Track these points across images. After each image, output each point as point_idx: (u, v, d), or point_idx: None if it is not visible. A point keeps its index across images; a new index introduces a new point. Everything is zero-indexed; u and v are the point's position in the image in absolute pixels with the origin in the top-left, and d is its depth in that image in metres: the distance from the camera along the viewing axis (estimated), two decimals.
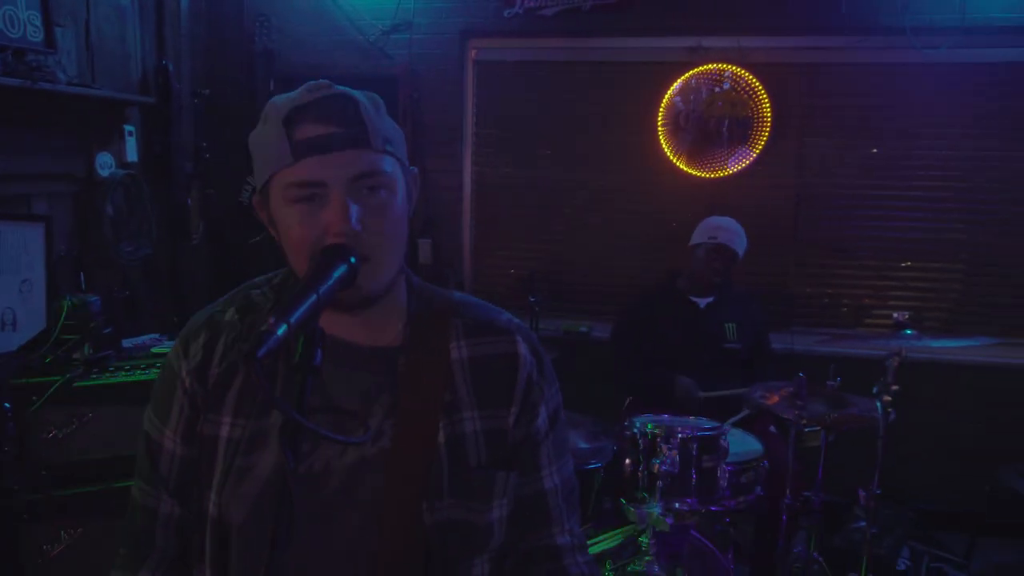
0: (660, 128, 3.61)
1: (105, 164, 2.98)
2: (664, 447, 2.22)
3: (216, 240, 3.68)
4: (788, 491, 2.55)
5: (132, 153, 3.13)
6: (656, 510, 2.06)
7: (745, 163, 3.56)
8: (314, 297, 0.79)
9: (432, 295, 1.07)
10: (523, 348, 1.05)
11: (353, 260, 0.87)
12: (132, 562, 1.02)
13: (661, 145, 3.62)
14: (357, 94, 0.94)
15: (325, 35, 3.55)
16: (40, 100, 2.54)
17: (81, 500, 1.96)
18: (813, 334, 3.44)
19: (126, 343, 2.46)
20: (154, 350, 2.14)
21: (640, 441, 2.27)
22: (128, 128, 3.09)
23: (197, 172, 3.52)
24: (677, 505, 2.25)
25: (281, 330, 0.72)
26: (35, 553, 1.98)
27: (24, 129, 2.60)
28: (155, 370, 2.04)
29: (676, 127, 3.59)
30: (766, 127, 3.52)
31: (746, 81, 3.52)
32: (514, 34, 3.54)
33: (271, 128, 0.91)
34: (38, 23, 2.47)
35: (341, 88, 0.93)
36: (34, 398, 1.87)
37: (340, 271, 0.85)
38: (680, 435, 2.24)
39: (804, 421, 2.42)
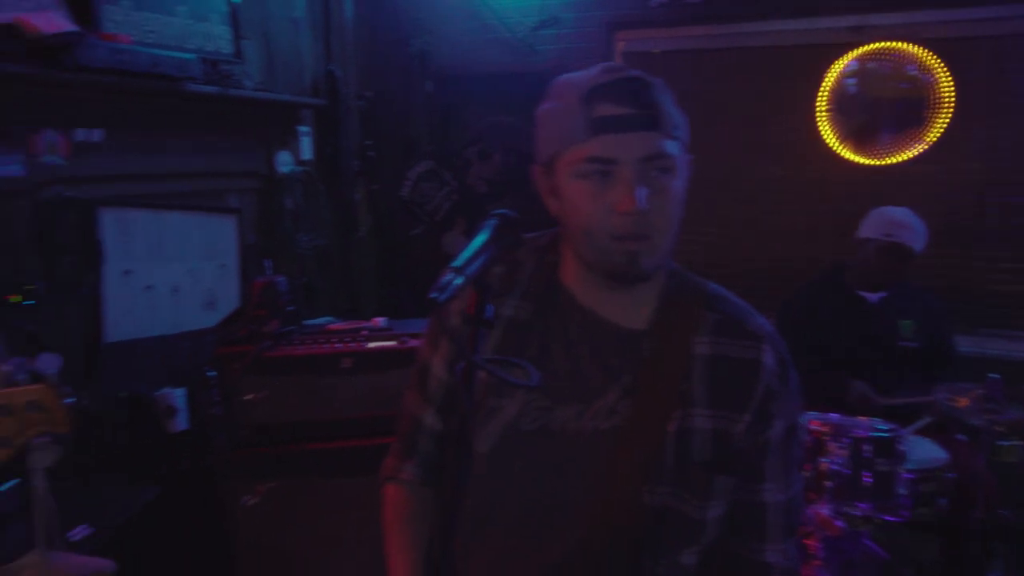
0: (821, 113, 3.42)
1: (284, 162, 3.28)
2: (833, 445, 2.11)
3: (381, 233, 3.94)
4: (980, 507, 2.29)
5: (307, 151, 3.43)
6: (825, 511, 1.97)
7: (919, 149, 3.29)
8: (487, 256, 0.86)
9: (686, 284, 1.09)
10: (768, 357, 1.04)
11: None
12: (400, 455, 1.17)
13: (821, 132, 3.43)
14: (651, 79, 0.98)
15: (475, 34, 3.70)
16: (231, 105, 2.85)
17: (272, 458, 2.18)
18: (1005, 337, 3.11)
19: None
20: (330, 326, 2.34)
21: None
22: (303, 129, 3.39)
23: (363, 169, 3.79)
24: (848, 509, 2.11)
25: (459, 281, 0.80)
26: (234, 503, 2.23)
27: (219, 132, 2.93)
28: (325, 345, 2.23)
29: (840, 112, 3.39)
30: (946, 108, 3.23)
31: (920, 59, 3.26)
32: (660, 24, 3.51)
33: (566, 105, 0.97)
34: (229, 37, 2.77)
35: (636, 71, 0.98)
36: (235, 366, 2.10)
37: (506, 240, 0.90)
38: (853, 434, 2.10)
39: (998, 428, 2.17)
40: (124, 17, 2.31)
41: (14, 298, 2.17)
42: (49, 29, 2.00)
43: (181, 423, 2.77)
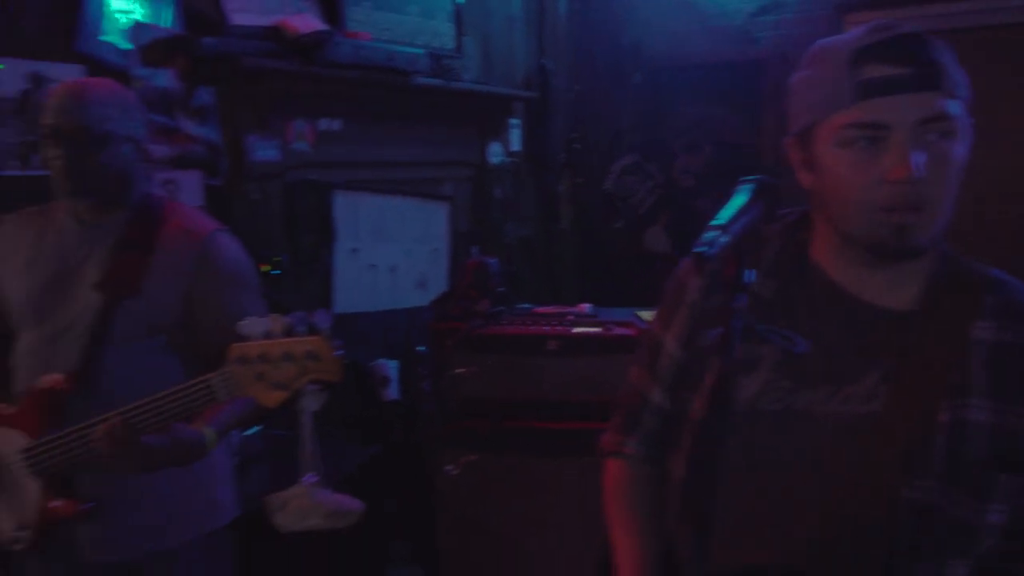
0: None
1: (495, 153, 3.43)
2: None
3: (583, 225, 3.99)
4: None
5: (516, 143, 3.55)
6: None
7: None
8: (750, 217, 0.82)
9: (962, 265, 0.98)
10: None
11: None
12: (622, 429, 1.17)
13: None
14: (928, 35, 0.90)
15: (689, 23, 3.62)
16: (451, 97, 3.02)
17: (475, 432, 2.29)
18: None
19: None
20: (537, 310, 2.42)
21: None
22: (513, 121, 3.51)
23: (568, 162, 3.85)
24: None
25: (724, 239, 0.77)
26: (440, 471, 2.37)
27: (438, 123, 3.12)
28: (531, 327, 2.29)
29: None
30: None
31: None
32: (895, 3, 3.23)
33: (827, 69, 0.91)
34: (452, 33, 2.94)
35: (910, 27, 0.90)
36: (447, 341, 2.23)
37: (767, 204, 0.86)
38: None
39: None
40: (365, 17, 2.53)
41: (264, 268, 2.46)
42: (305, 29, 2.24)
43: (393, 392, 3.00)
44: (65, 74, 1.95)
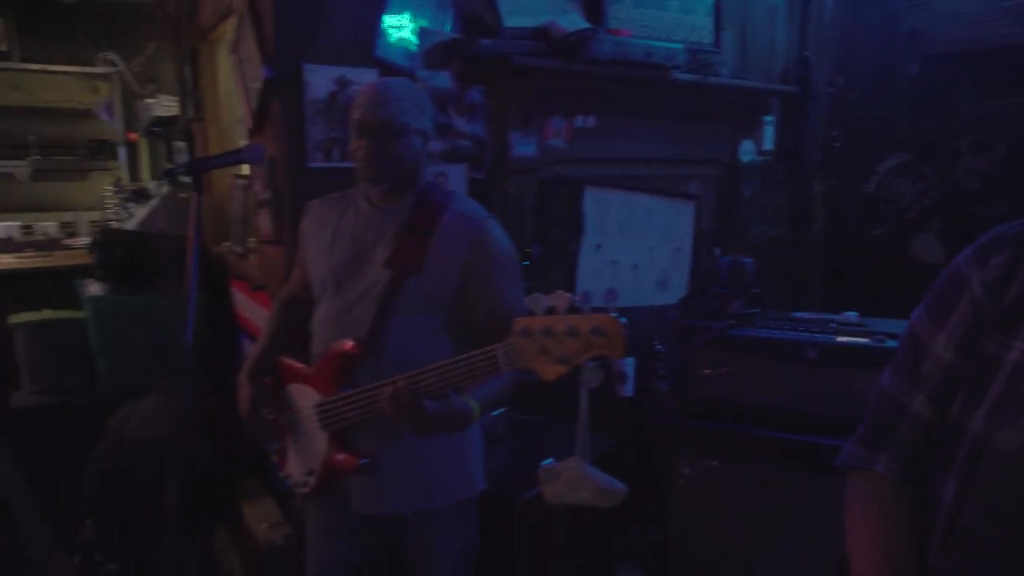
0: None
1: (747, 151, 3.29)
2: None
3: (836, 229, 3.70)
4: None
5: (769, 141, 3.38)
6: None
7: None
8: None
9: None
10: None
11: None
12: (870, 443, 1.08)
13: None
14: None
15: (982, 2, 3.18)
16: (705, 93, 2.95)
17: (717, 435, 2.21)
18: None
19: None
20: (795, 315, 2.28)
21: None
22: (767, 118, 3.35)
23: (825, 161, 3.59)
24: None
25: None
26: (673, 472, 2.33)
27: (689, 119, 3.06)
28: (789, 333, 2.16)
29: None
30: None
31: None
32: None
33: None
34: (710, 28, 2.87)
35: None
36: (696, 339, 2.18)
37: None
38: None
39: None
40: (626, 14, 2.55)
41: None
42: (571, 28, 2.31)
43: (628, 390, 3.00)
44: (364, 77, 2.20)
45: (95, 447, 2.94)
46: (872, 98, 3.50)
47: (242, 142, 3.47)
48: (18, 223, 3.74)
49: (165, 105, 4.30)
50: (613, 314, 1.25)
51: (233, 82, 2.58)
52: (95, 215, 5.13)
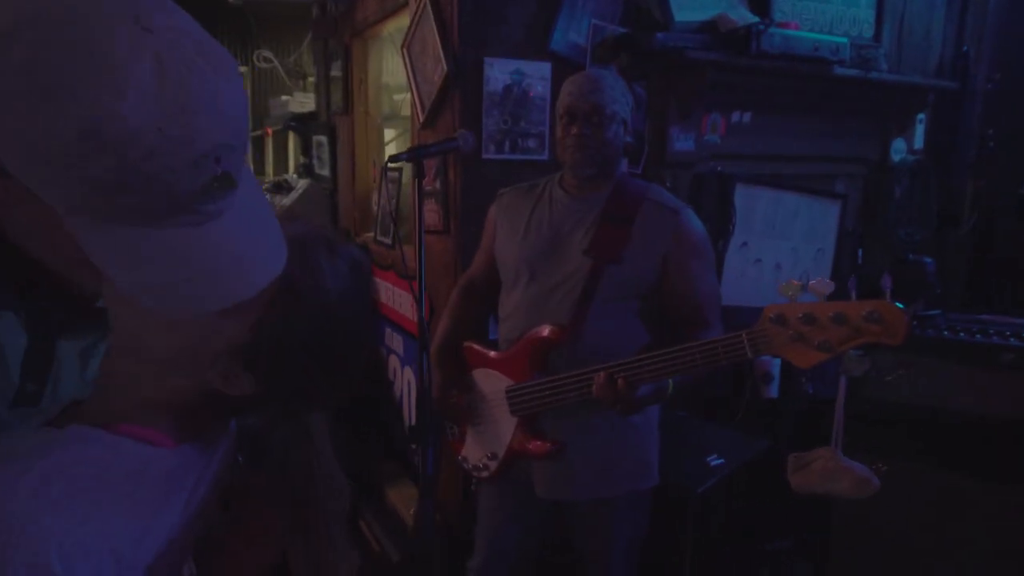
0: None
1: (898, 150, 3.18)
2: None
3: (985, 232, 3.54)
4: None
5: (919, 140, 3.25)
6: None
7: None
8: None
9: None
10: None
11: None
12: None
13: None
14: None
15: None
16: (861, 89, 2.86)
17: (896, 439, 2.15)
18: None
19: None
20: (981, 317, 2.19)
21: None
22: (920, 116, 3.22)
23: (978, 161, 3.43)
24: None
25: None
26: None
27: (840, 116, 2.98)
28: (980, 335, 2.08)
29: None
30: None
31: None
32: None
33: None
34: (871, 21, 2.79)
35: None
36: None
37: None
38: None
39: None
40: (790, 7, 2.51)
41: None
42: (740, 21, 2.29)
43: (773, 391, 2.95)
44: (537, 71, 2.24)
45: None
46: None
47: (390, 134, 3.59)
48: None
49: (300, 101, 4.47)
50: (896, 302, 1.23)
51: (402, 77, 2.66)
52: None
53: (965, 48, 3.24)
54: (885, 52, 3.00)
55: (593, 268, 1.69)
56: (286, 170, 5.06)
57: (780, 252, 3.06)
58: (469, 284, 2.02)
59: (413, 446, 2.92)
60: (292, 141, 4.86)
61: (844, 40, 2.57)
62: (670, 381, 1.60)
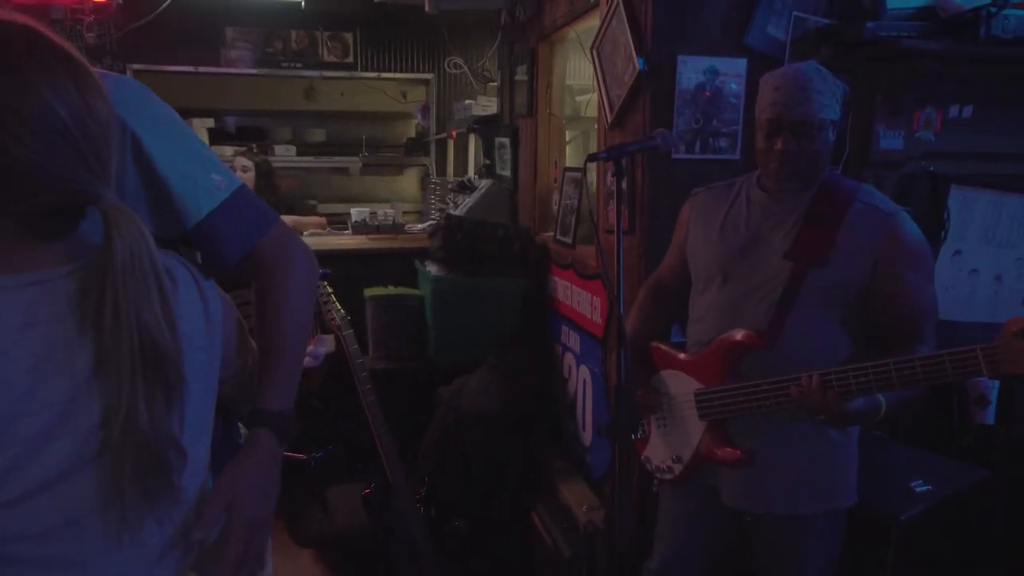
0: None
1: None
2: None
3: None
4: None
5: None
6: None
7: None
8: None
9: None
10: None
11: None
12: None
13: None
14: None
15: None
16: None
17: None
18: None
19: None
20: None
21: None
22: None
23: None
24: None
25: None
26: None
27: None
28: None
29: None
30: None
31: None
32: None
33: None
34: None
35: None
36: None
37: None
38: None
39: None
40: None
41: None
42: (967, 4, 2.08)
43: (989, 416, 2.66)
44: (732, 68, 2.17)
45: (432, 412, 3.26)
46: None
47: (568, 135, 3.63)
48: (368, 208, 4.26)
49: (483, 105, 4.64)
50: None
51: (584, 79, 2.68)
52: (408, 206, 5.72)
53: None
54: None
55: (794, 272, 1.61)
56: (467, 171, 5.27)
57: (1001, 262, 2.75)
58: (657, 284, 2.00)
59: (585, 443, 2.96)
60: (474, 143, 5.05)
61: None
62: (883, 401, 1.49)
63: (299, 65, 5.39)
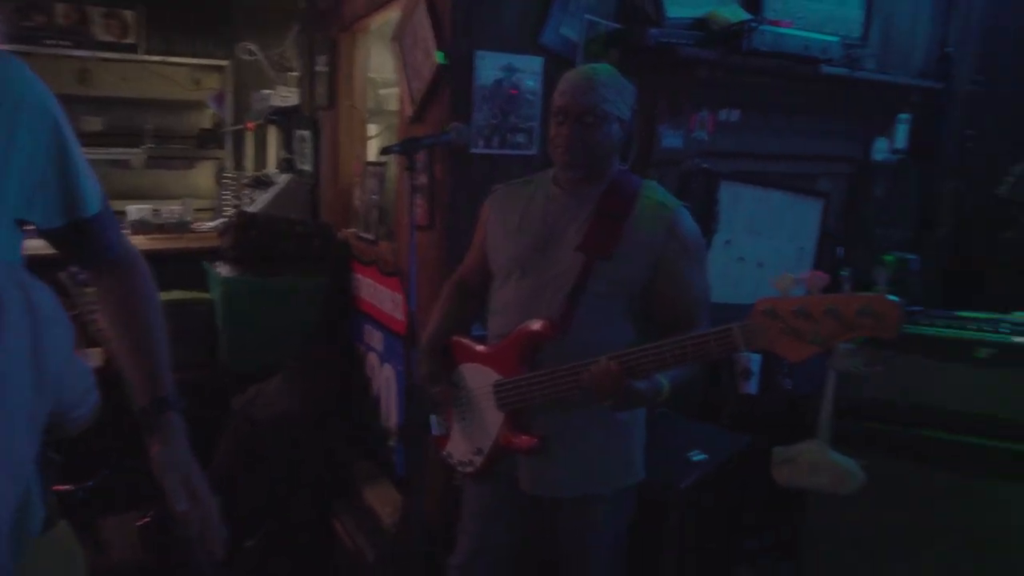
0: None
1: (880, 149, 3.21)
2: None
3: (961, 233, 3.59)
4: None
5: (902, 140, 3.29)
6: None
7: None
8: None
9: None
10: None
11: None
12: None
13: None
14: None
15: None
16: (847, 88, 2.88)
17: (870, 434, 2.16)
18: None
19: None
20: (959, 313, 2.21)
21: None
22: (903, 116, 3.26)
23: (958, 162, 3.48)
24: None
25: None
26: None
27: (825, 115, 3.00)
28: (958, 331, 2.10)
29: None
30: None
31: None
32: None
33: None
34: (860, 20, 2.81)
35: None
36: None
37: None
38: None
39: None
40: (782, 5, 2.52)
41: None
42: (733, 18, 2.29)
43: (752, 387, 2.96)
44: (528, 65, 2.22)
45: (223, 424, 3.04)
46: (1013, 98, 3.38)
47: (373, 129, 3.55)
48: (150, 206, 3.89)
49: (283, 95, 4.41)
50: (888, 292, 1.22)
51: (387, 72, 2.63)
52: (201, 202, 5.31)
53: (949, 49, 3.28)
54: (871, 52, 3.03)
55: (585, 264, 1.67)
56: (266, 165, 5.00)
57: (763, 250, 3.08)
58: (460, 282, 2.00)
59: (391, 443, 2.91)
60: (273, 136, 4.79)
61: (835, 39, 2.58)
62: (665, 383, 1.59)
63: (67, 43, 4.81)
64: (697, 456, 2.23)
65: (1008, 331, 2.04)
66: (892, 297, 1.20)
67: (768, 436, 2.73)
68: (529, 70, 2.20)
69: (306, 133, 3.76)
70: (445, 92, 2.18)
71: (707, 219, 2.80)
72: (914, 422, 2.11)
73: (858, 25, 2.79)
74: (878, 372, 2.15)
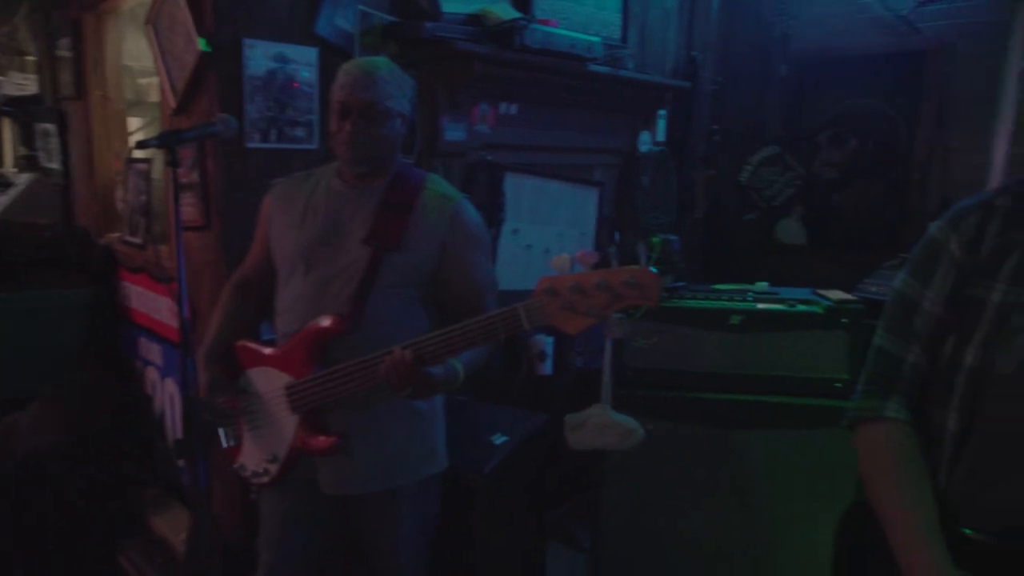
0: None
1: (644, 141, 3.50)
2: None
3: (714, 216, 4.03)
4: None
5: (662, 133, 3.62)
6: None
7: None
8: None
9: None
10: None
11: None
12: (875, 395, 1.21)
13: None
14: None
15: (846, 14, 3.55)
16: (613, 86, 3.11)
17: (652, 401, 2.37)
18: None
19: None
20: (715, 286, 2.48)
21: None
22: (661, 111, 3.58)
23: (707, 153, 3.90)
24: None
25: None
26: None
27: (595, 110, 3.22)
28: (714, 302, 2.35)
29: None
30: None
31: None
32: None
33: None
34: (619, 24, 3.05)
35: None
36: (630, 313, 2.31)
37: None
38: None
39: None
40: (549, 5, 2.65)
41: None
42: (504, 16, 2.38)
43: (547, 368, 3.12)
44: (303, 56, 2.14)
45: None
46: (748, 95, 3.85)
47: (136, 123, 3.23)
48: None
49: (17, 84, 3.86)
50: (648, 264, 1.33)
51: (146, 60, 2.40)
52: None
53: (694, 54, 3.66)
54: (631, 53, 3.29)
55: (372, 256, 1.65)
56: (1, 164, 4.36)
57: (547, 237, 3.24)
58: (242, 280, 1.89)
59: (180, 462, 2.69)
60: (8, 129, 4.19)
61: (597, 39, 2.77)
62: (460, 368, 1.62)
63: None
64: (499, 439, 2.30)
65: (753, 299, 2.33)
66: (652, 268, 1.32)
67: (563, 411, 2.91)
68: (304, 61, 2.13)
69: (51, 127, 3.34)
70: (212, 82, 2.04)
71: (493, 209, 2.89)
72: (684, 385, 2.34)
73: (617, 28, 3.02)
74: (653, 343, 2.36)
